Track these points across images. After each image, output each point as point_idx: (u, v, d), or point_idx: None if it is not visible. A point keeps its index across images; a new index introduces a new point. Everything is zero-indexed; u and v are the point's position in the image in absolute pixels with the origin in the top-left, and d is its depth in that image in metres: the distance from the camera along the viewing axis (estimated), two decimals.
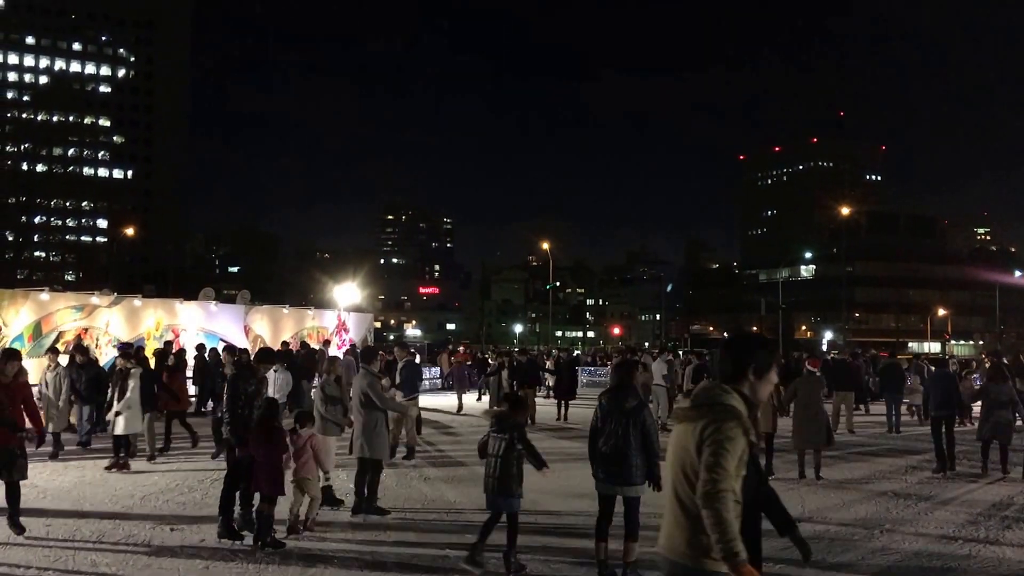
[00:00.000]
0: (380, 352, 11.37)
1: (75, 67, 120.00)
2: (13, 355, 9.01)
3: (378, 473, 9.55)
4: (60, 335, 18.92)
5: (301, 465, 8.44)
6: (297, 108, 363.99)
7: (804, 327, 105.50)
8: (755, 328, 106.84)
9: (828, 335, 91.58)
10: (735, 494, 3.37)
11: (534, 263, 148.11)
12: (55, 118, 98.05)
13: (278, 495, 8.09)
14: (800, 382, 12.73)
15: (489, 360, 30.49)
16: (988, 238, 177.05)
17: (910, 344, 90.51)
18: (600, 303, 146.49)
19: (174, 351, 20.44)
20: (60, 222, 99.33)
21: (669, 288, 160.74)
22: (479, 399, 26.90)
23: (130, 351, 13.65)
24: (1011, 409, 12.60)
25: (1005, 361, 18.87)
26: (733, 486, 3.36)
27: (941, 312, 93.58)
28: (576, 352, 55.00)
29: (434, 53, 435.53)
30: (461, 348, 37.89)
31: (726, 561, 3.26)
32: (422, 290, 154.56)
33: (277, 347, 22.60)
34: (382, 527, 8.88)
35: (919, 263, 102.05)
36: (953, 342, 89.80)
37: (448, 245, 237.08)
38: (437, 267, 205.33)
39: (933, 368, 15.71)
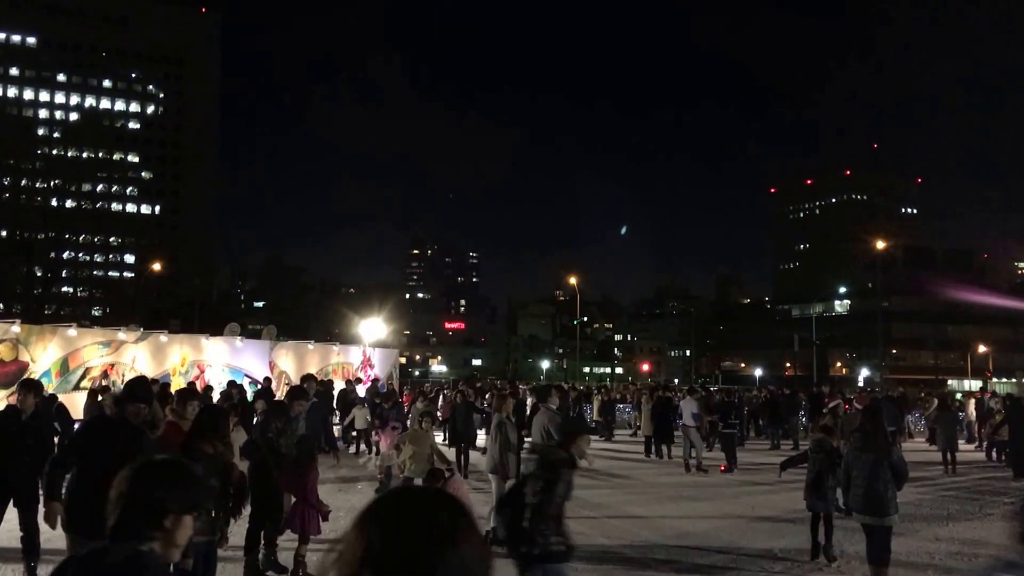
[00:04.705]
0: (554, 389, 11.54)
1: (105, 103, 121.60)
2: (191, 395, 8.16)
3: None
4: (87, 371, 18.54)
5: None
6: (324, 143, 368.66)
7: (839, 364, 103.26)
8: (788, 365, 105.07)
9: (864, 372, 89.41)
10: None
11: (561, 297, 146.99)
12: (85, 154, 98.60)
13: (312, 534, 8.01)
14: (849, 419, 13.87)
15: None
16: None
17: (950, 382, 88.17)
18: (629, 338, 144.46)
19: (199, 387, 19.56)
20: (88, 257, 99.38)
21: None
22: (374, 453, 17.47)
23: None
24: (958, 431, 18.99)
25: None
26: None
27: (982, 348, 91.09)
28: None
29: (461, 87, 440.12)
30: (479, 384, 34.17)
31: None
32: (448, 325, 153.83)
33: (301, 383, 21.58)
34: None
35: (958, 298, 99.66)
36: (995, 379, 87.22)
37: (474, 279, 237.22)
38: (463, 302, 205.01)
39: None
